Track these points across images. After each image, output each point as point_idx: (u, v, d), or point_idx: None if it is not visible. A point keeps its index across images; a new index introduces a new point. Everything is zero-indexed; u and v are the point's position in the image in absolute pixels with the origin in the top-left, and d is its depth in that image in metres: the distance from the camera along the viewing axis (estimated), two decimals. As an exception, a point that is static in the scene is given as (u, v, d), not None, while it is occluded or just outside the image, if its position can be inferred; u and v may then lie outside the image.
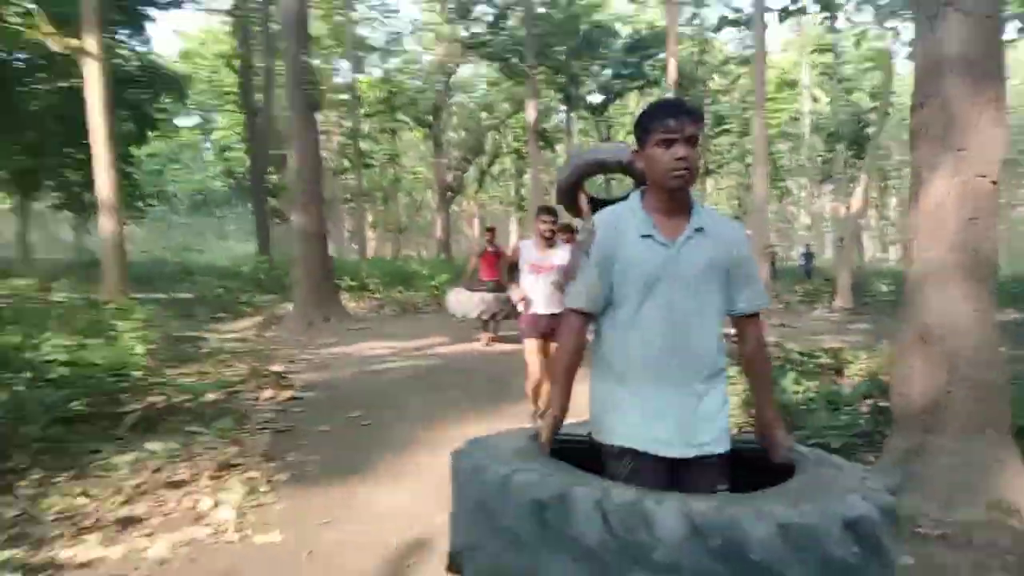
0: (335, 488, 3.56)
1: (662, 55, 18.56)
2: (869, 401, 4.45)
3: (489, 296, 8.34)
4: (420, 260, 23.45)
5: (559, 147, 31.03)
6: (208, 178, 39.70)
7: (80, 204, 23.91)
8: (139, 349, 5.27)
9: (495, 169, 35.89)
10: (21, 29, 10.60)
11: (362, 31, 26.33)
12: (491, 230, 9.21)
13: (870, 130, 17.35)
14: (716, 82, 25.73)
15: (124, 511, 3.15)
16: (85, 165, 19.10)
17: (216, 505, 3.25)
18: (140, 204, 24.48)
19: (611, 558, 1.33)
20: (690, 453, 1.72)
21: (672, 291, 1.72)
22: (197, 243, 48.53)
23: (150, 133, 22.11)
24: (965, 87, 3.43)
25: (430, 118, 26.27)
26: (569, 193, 7.17)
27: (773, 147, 26.65)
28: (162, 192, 36.60)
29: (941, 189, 3.48)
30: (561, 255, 4.40)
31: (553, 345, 4.14)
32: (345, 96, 23.80)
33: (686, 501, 1.36)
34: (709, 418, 1.74)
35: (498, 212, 41.28)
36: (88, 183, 19.60)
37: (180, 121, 33.90)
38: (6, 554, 2.39)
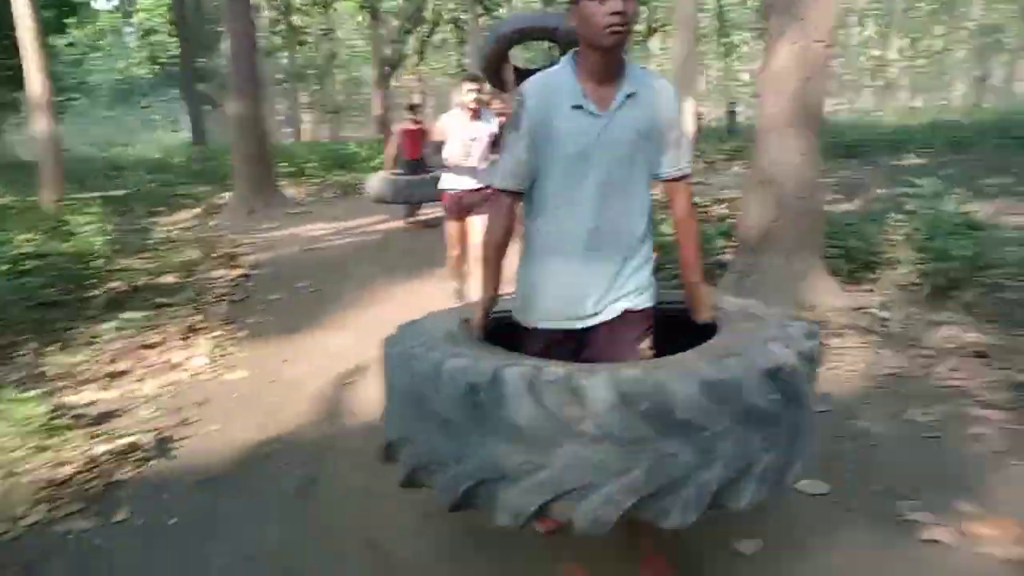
0: (289, 337, 4.35)
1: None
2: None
3: (402, 180, 8.08)
4: (359, 142, 23.32)
5: (502, 11, 30.09)
6: (132, 65, 37.52)
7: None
8: (98, 241, 5.79)
9: (436, 38, 34.74)
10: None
11: None
12: (413, 107, 8.85)
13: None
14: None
15: (111, 367, 3.88)
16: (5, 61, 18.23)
17: (188, 358, 4.00)
18: (61, 99, 23.43)
19: (543, 435, 1.37)
20: (611, 315, 1.77)
21: (604, 163, 1.69)
22: (123, 136, 46.48)
23: (69, 21, 20.89)
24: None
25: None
26: (493, 64, 6.98)
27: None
28: (83, 84, 34.67)
29: (784, 53, 4.16)
30: (490, 126, 4.32)
31: (475, 220, 4.29)
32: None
33: (615, 370, 1.42)
34: (632, 278, 1.78)
35: (440, 86, 40.33)
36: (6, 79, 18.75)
37: (98, 4, 31.61)
38: (31, 394, 3.11)
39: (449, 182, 4.36)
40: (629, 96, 1.69)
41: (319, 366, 3.84)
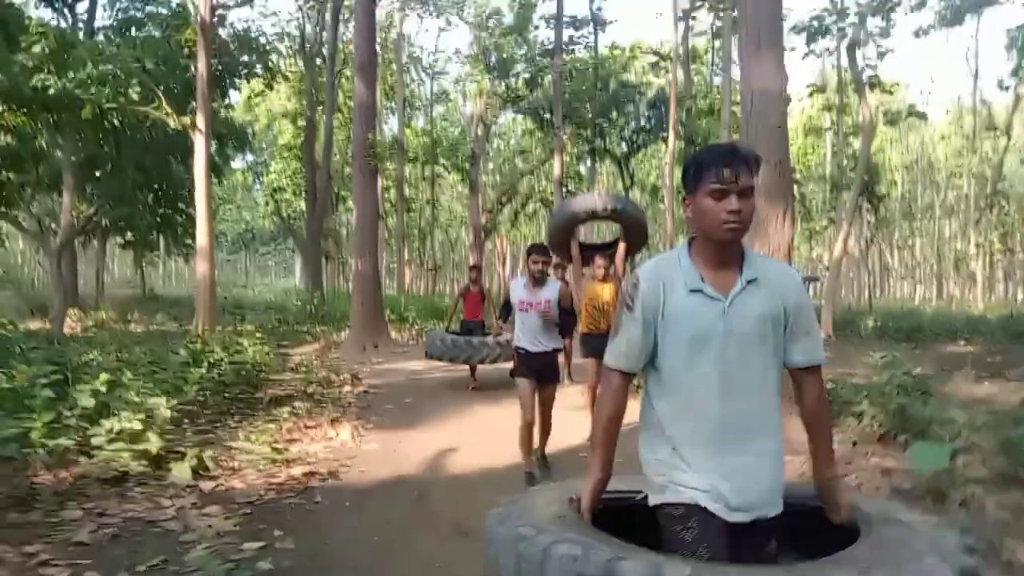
0: (401, 430, 6.38)
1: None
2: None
3: (466, 340, 8.32)
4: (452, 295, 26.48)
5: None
6: (257, 218, 43.64)
7: (147, 244, 27.73)
8: (263, 356, 8.18)
9: (529, 208, 39.09)
10: (148, 109, 13.92)
11: (411, 86, 29.99)
12: (475, 268, 9.25)
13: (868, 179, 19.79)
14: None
15: (288, 436, 5.98)
16: (165, 210, 22.84)
17: (337, 435, 6.08)
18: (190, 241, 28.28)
19: None
20: (748, 518, 1.69)
21: (726, 349, 1.68)
22: (240, 279, 52.66)
23: (215, 180, 25.89)
24: (766, 205, 6.14)
25: (467, 165, 29.49)
26: (561, 238, 7.63)
27: (804, 189, 29.11)
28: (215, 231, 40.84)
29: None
30: (549, 292, 4.70)
31: (546, 390, 4.71)
32: (393, 149, 27.21)
33: (744, 573, 1.34)
34: (766, 480, 1.72)
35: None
36: (161, 226, 23.30)
37: (235, 164, 38.10)
38: (260, 435, 5.22)
39: (516, 341, 4.81)
40: (750, 282, 1.70)
41: (421, 446, 5.82)
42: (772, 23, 6.44)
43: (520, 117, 30.65)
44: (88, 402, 4.65)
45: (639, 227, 8.05)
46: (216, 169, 24.62)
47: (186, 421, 5.92)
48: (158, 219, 23.45)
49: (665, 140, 23.03)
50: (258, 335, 9.02)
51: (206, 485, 4.48)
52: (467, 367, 8.76)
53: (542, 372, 4.68)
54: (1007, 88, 24.31)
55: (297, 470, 4.92)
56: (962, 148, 32.07)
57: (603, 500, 1.86)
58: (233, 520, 3.90)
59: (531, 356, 4.68)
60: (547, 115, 24.53)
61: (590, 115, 23.83)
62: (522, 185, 34.92)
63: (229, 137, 22.86)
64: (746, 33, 6.48)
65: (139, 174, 21.65)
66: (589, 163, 28.45)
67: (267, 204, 40.89)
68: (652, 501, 1.79)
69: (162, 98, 13.87)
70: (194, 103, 16.02)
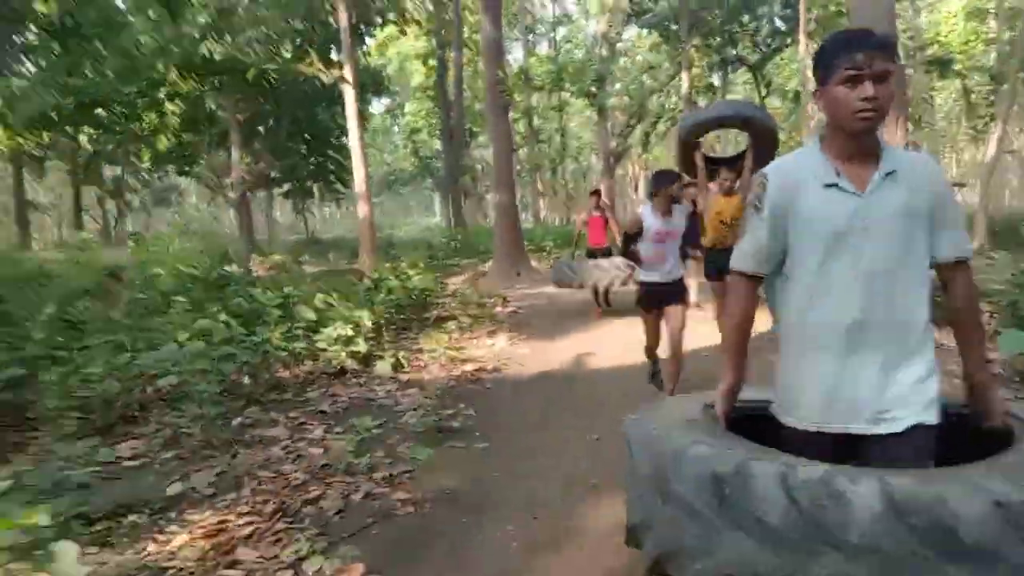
0: (547, 340, 7.53)
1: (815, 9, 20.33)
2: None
3: (608, 263, 8.32)
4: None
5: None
6: (397, 159, 46.21)
7: (306, 192, 30.66)
8: (428, 283, 9.59)
9: (660, 129, 38.55)
10: (302, 67, 15.64)
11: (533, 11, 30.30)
12: (596, 193, 9.00)
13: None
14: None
15: (457, 344, 7.29)
16: (317, 158, 25.21)
17: (495, 343, 7.33)
18: (348, 186, 30.87)
19: (799, 538, 1.32)
20: (889, 428, 1.63)
21: (865, 245, 1.61)
22: (385, 219, 56.27)
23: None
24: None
25: (594, 88, 29.64)
26: (688, 150, 7.37)
27: (969, 81, 26.61)
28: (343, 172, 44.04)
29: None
30: (680, 220, 4.53)
31: (673, 312, 4.55)
32: (520, 80, 27.93)
33: (884, 476, 1.32)
34: (912, 388, 1.64)
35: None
36: (316, 174, 25.77)
37: (374, 108, 40.52)
38: (436, 343, 6.55)
39: (643, 275, 4.65)
40: (889, 174, 1.62)
41: (565, 351, 6.93)
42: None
43: (645, 32, 30.10)
44: (311, 316, 6.13)
45: (769, 135, 7.63)
46: (360, 115, 26.74)
47: (377, 333, 7.40)
48: (312, 167, 26.00)
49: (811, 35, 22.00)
50: (420, 265, 10.45)
51: (403, 377, 5.85)
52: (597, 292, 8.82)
53: (669, 298, 4.57)
54: None
55: (469, 367, 6.20)
56: None
57: (738, 408, 1.88)
58: (428, 398, 5.21)
59: (657, 286, 4.56)
60: (673, 26, 24.11)
61: (719, 22, 23.15)
62: (651, 104, 34.43)
63: (368, 83, 24.66)
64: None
65: (293, 126, 24.08)
66: (720, 74, 27.66)
67: (405, 146, 43.26)
68: (778, 415, 1.80)
69: (314, 55, 15.53)
70: (339, 55, 17.69)
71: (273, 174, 23.32)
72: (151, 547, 2.91)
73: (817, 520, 1.31)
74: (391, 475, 3.75)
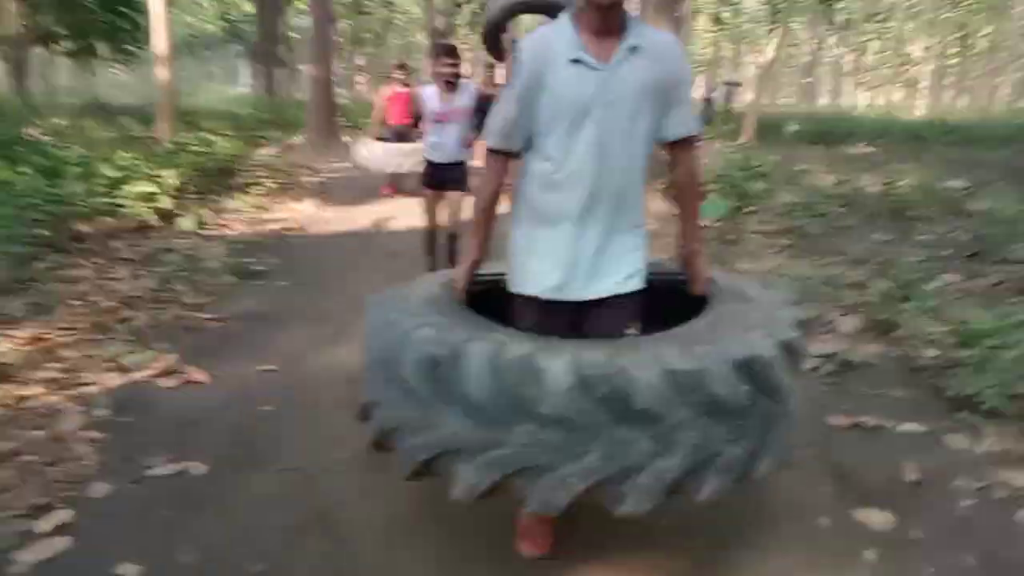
0: (352, 205, 8.20)
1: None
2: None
3: (398, 148, 7.79)
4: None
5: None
6: (201, 20, 42.01)
7: (91, 51, 27.37)
8: (234, 149, 9.69)
9: (487, 12, 38.53)
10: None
11: None
12: (403, 66, 8.58)
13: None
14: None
15: (266, 207, 7.71)
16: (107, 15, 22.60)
17: (302, 208, 7.86)
18: (141, 48, 27.95)
19: (499, 412, 1.46)
20: (601, 293, 1.80)
21: (604, 119, 1.69)
22: (184, 86, 51.30)
23: (153, -23, 25.24)
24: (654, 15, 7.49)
25: (419, -38, 28.77)
26: (494, 33, 7.44)
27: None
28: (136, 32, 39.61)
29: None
30: (465, 99, 4.38)
31: (450, 195, 4.52)
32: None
33: (578, 352, 1.46)
34: (627, 255, 1.82)
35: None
36: (107, 33, 23.16)
37: (170, -41, 36.13)
38: (241, 204, 6.96)
39: (426, 153, 4.54)
40: (632, 49, 1.68)
41: (367, 214, 7.67)
42: None
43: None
44: (114, 173, 6.28)
45: None
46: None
47: (180, 193, 7.62)
48: (103, 25, 23.22)
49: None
50: (226, 133, 10.42)
51: (206, 233, 6.29)
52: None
53: (448, 181, 4.51)
54: None
55: (274, 226, 6.76)
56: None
57: (484, 282, 1.98)
58: (230, 250, 5.75)
59: (441, 167, 4.49)
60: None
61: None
62: (479, -15, 34.20)
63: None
64: None
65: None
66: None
67: (211, 6, 39.32)
68: (508, 287, 1.89)
69: None
70: None
71: (56, 29, 20.71)
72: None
73: (516, 395, 1.43)
74: (197, 303, 4.38)
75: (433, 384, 1.54)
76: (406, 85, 8.26)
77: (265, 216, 7.22)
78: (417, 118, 4.55)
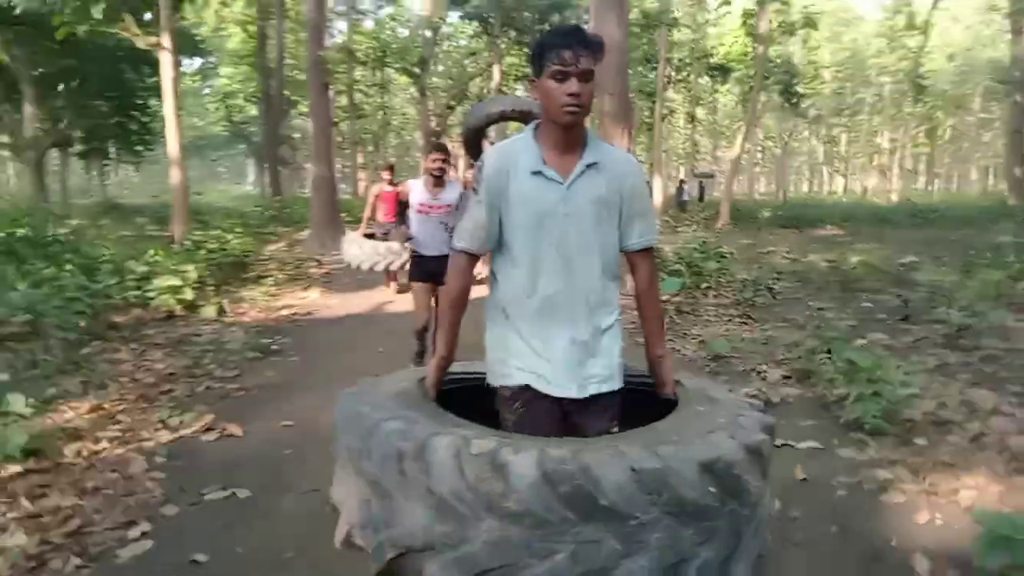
0: (354, 293, 9.08)
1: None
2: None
3: (384, 247, 8.06)
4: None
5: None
6: (208, 123, 44.35)
7: (103, 153, 29.15)
8: (246, 245, 10.68)
9: (480, 111, 40.97)
10: (115, 30, 15.51)
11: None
12: (390, 167, 9.29)
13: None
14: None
15: (277, 295, 8.60)
16: (120, 119, 24.30)
17: (308, 296, 8.75)
18: (150, 149, 29.74)
19: (465, 508, 1.43)
20: (581, 393, 1.86)
21: (564, 229, 1.80)
22: (195, 185, 53.56)
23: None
24: (611, 125, 8.64)
25: (417, 70, 31.01)
26: (474, 140, 8.00)
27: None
28: (162, 137, 41.91)
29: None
30: (450, 195, 4.59)
31: (440, 287, 4.33)
32: (344, 60, 28.61)
33: (544, 448, 1.46)
34: (601, 357, 1.88)
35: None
36: (118, 135, 24.81)
37: (185, 67, 38.65)
38: (256, 294, 7.84)
39: (413, 245, 4.76)
40: (590, 166, 1.81)
41: (368, 302, 8.53)
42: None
43: (467, 20, 31.89)
44: (142, 269, 7.19)
45: None
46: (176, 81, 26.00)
47: (202, 285, 8.53)
48: (115, 128, 24.95)
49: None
50: (238, 230, 11.45)
51: (226, 320, 7.13)
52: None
53: (435, 273, 4.49)
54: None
55: (286, 311, 7.62)
56: (886, 47, 34.51)
57: (456, 381, 2.05)
58: (249, 332, 6.58)
59: (428, 260, 4.61)
60: (491, 19, 26.17)
61: (530, 20, 25.55)
62: (472, 87, 36.51)
63: (181, 45, 24.12)
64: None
65: (96, 85, 23.04)
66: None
67: (217, 109, 41.72)
68: (489, 382, 1.95)
69: (131, 18, 15.48)
70: (153, 16, 17.57)
71: (76, 134, 22.31)
72: (48, 421, 4.13)
73: (481, 490, 1.42)
74: (225, 375, 5.18)
75: (399, 478, 1.53)
76: (393, 184, 8.61)
77: (277, 303, 8.10)
78: (404, 209, 4.71)
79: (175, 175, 16.31)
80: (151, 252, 7.73)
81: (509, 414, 1.91)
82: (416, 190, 4.66)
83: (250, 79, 33.04)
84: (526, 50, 29.71)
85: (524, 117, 8.26)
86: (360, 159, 40.17)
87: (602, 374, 1.89)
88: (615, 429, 1.90)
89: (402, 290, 8.71)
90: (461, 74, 35.45)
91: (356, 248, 8.30)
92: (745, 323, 6.71)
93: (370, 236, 8.59)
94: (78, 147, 26.60)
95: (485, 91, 36.44)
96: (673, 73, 30.14)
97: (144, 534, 2.86)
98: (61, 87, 21.48)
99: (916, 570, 2.56)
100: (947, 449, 3.57)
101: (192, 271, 7.49)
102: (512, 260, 1.87)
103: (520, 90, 32.76)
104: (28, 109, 21.64)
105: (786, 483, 3.26)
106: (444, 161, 4.61)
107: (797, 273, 9.19)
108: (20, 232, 8.10)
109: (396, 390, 1.88)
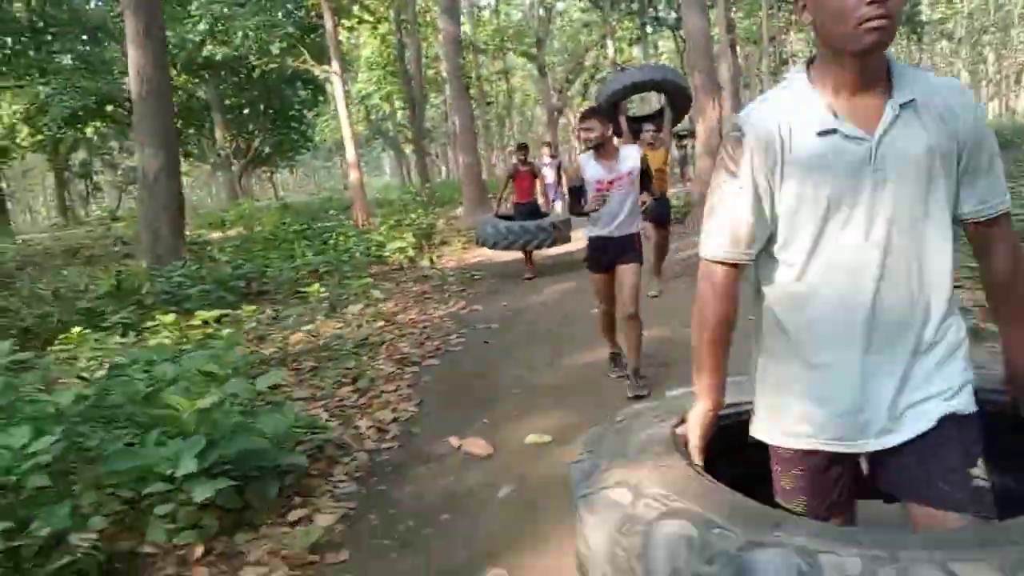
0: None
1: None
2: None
3: (519, 227, 8.77)
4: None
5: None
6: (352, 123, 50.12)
7: (269, 161, 34.81)
8: (432, 219, 14.55)
9: (599, 78, 43.67)
10: (297, 64, 20.07)
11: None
12: (523, 147, 9.19)
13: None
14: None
15: (464, 255, 12.31)
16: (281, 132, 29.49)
17: (483, 250, 12.43)
18: (303, 152, 35.41)
19: None
20: (911, 431, 1.33)
21: (875, 207, 1.27)
22: (339, 181, 60.38)
23: (320, 98, 32.40)
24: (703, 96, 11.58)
25: (534, 50, 34.35)
26: (608, 113, 7.44)
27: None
28: (311, 140, 48.33)
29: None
30: (631, 161, 4.20)
31: (625, 271, 4.21)
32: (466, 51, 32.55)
33: (947, 563, 0.99)
34: (940, 370, 1.34)
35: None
36: (281, 146, 30.10)
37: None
38: (450, 250, 11.59)
39: (588, 229, 4.38)
40: (905, 106, 1.27)
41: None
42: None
43: (576, -2, 34.79)
44: (380, 239, 11.11)
45: (681, 93, 8.98)
46: (317, 88, 31.07)
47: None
48: (279, 139, 30.41)
49: None
50: (420, 210, 15.36)
51: (437, 266, 10.87)
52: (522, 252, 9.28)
53: (618, 256, 4.27)
54: None
55: (472, 260, 11.28)
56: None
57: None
58: (456, 271, 10.23)
59: (608, 242, 4.29)
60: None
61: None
62: (588, 58, 39.34)
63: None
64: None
65: (266, 106, 28.38)
66: (646, 31, 32.66)
67: (357, 111, 47.30)
68: (757, 433, 1.50)
69: (306, 52, 19.98)
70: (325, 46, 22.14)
71: (266, 149, 27.70)
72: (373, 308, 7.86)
73: None
74: (457, 289, 8.82)
75: None
76: (526, 163, 9.16)
77: (466, 255, 11.80)
78: (576, 191, 4.30)
79: (354, 175, 20.81)
80: (382, 228, 11.68)
81: (786, 480, 1.46)
82: (589, 166, 4.25)
83: (384, 79, 37.89)
84: (635, 21, 32.18)
85: (657, 86, 8.68)
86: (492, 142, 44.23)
87: (946, 390, 1.34)
88: (980, 477, 1.33)
89: (531, 278, 9.11)
90: (576, 48, 38.46)
91: (490, 228, 9.03)
92: None
93: (506, 218, 9.31)
94: (262, 160, 32.30)
95: (601, 60, 39.31)
96: (794, 17, 31.50)
97: (459, 338, 6.43)
98: (247, 111, 26.78)
99: None
100: None
101: (411, 237, 11.32)
102: (793, 264, 1.35)
103: (638, 55, 35.28)
104: (219, 133, 27.11)
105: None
106: (602, 126, 4.18)
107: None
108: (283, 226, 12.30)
109: (649, 459, 1.44)
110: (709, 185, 1.45)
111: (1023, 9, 38.78)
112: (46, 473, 2.68)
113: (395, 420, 4.36)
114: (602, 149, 4.23)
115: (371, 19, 22.45)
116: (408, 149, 43.75)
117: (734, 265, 1.40)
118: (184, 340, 5.34)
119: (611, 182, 4.21)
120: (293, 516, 3.16)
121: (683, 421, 1.58)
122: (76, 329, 5.33)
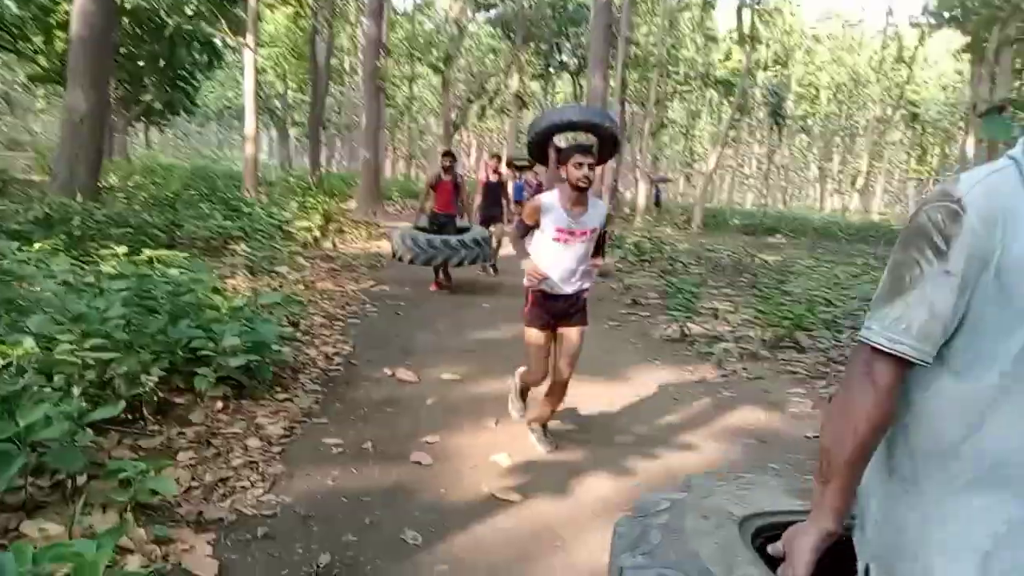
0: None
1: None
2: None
3: (439, 241, 8.58)
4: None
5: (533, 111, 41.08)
6: (240, 96, 49.29)
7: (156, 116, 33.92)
8: (334, 207, 15.63)
9: (496, 104, 45.92)
10: (212, 30, 20.43)
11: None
12: (449, 154, 8.94)
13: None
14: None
15: (365, 243, 13.57)
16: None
17: (381, 242, 13.76)
18: (191, 114, 34.89)
19: None
20: None
21: None
22: (206, 150, 58.65)
23: (216, 63, 32.21)
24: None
25: (442, 65, 35.93)
26: (540, 148, 7.42)
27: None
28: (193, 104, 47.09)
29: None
30: (595, 217, 3.80)
31: (571, 333, 3.90)
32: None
33: None
34: None
35: (494, 142, 51.28)
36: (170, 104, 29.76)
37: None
38: (350, 235, 12.81)
39: (535, 283, 3.80)
40: None
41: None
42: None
43: (488, 26, 36.89)
44: (287, 216, 12.16)
45: (612, 144, 9.25)
46: (215, 52, 30.94)
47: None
48: (167, 97, 30.01)
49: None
50: (321, 196, 16.37)
51: (339, 248, 12.05)
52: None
53: (565, 315, 3.90)
54: (916, 25, 31.58)
55: (373, 248, 12.57)
56: (873, 77, 39.52)
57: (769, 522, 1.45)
58: (357, 257, 11.50)
59: (558, 300, 3.86)
60: (513, 30, 31.11)
61: (548, 32, 30.50)
62: (490, 84, 41.42)
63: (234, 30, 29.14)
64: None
65: (163, 62, 28.05)
66: (542, 79, 35.20)
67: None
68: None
69: (223, 20, 20.41)
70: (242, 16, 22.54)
71: (157, 105, 27.28)
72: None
73: None
74: (366, 270, 10.12)
75: None
76: (448, 172, 8.82)
77: (367, 244, 13.07)
78: (528, 228, 3.88)
79: (248, 149, 21.31)
80: (292, 205, 12.72)
81: None
82: (553, 210, 3.77)
83: (284, 60, 38.06)
84: (541, 61, 34.59)
85: (592, 128, 9.14)
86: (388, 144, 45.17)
87: None
88: None
89: (443, 287, 9.08)
90: (481, 71, 40.43)
91: (409, 241, 8.70)
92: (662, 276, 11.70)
93: (422, 229, 8.96)
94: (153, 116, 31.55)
95: (503, 88, 41.54)
96: (677, 86, 35.05)
97: (373, 308, 7.79)
98: (142, 65, 26.42)
99: None
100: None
101: (318, 218, 12.44)
102: (983, 380, 1.09)
103: (537, 91, 37.69)
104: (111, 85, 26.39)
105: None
106: (591, 167, 3.67)
107: (711, 259, 14.14)
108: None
109: (722, 556, 1.29)
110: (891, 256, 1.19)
111: (866, 123, 45.06)
112: (124, 331, 3.89)
113: (337, 353, 5.74)
114: (580, 195, 3.74)
115: (295, 2, 23.15)
116: (293, 132, 43.91)
117: (905, 362, 1.13)
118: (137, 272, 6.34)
119: (572, 233, 3.78)
120: (279, 397, 4.50)
121: (776, 536, 1.30)
122: (36, 245, 6.15)
